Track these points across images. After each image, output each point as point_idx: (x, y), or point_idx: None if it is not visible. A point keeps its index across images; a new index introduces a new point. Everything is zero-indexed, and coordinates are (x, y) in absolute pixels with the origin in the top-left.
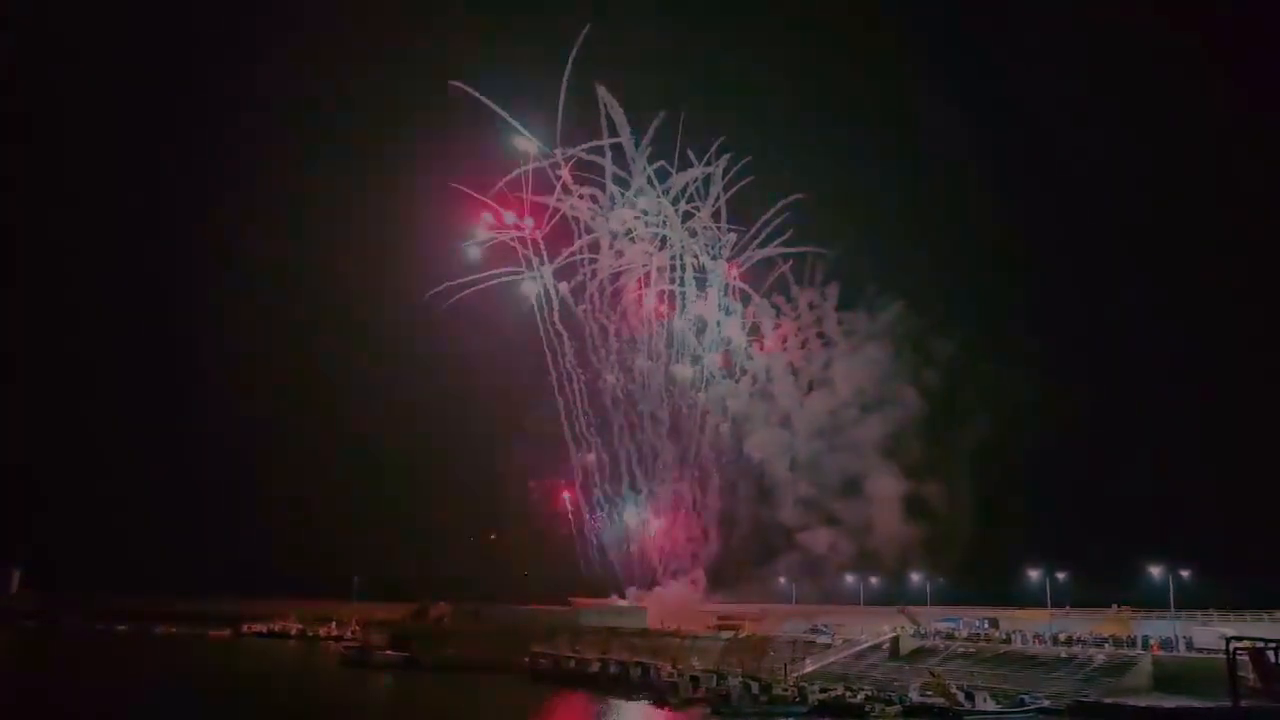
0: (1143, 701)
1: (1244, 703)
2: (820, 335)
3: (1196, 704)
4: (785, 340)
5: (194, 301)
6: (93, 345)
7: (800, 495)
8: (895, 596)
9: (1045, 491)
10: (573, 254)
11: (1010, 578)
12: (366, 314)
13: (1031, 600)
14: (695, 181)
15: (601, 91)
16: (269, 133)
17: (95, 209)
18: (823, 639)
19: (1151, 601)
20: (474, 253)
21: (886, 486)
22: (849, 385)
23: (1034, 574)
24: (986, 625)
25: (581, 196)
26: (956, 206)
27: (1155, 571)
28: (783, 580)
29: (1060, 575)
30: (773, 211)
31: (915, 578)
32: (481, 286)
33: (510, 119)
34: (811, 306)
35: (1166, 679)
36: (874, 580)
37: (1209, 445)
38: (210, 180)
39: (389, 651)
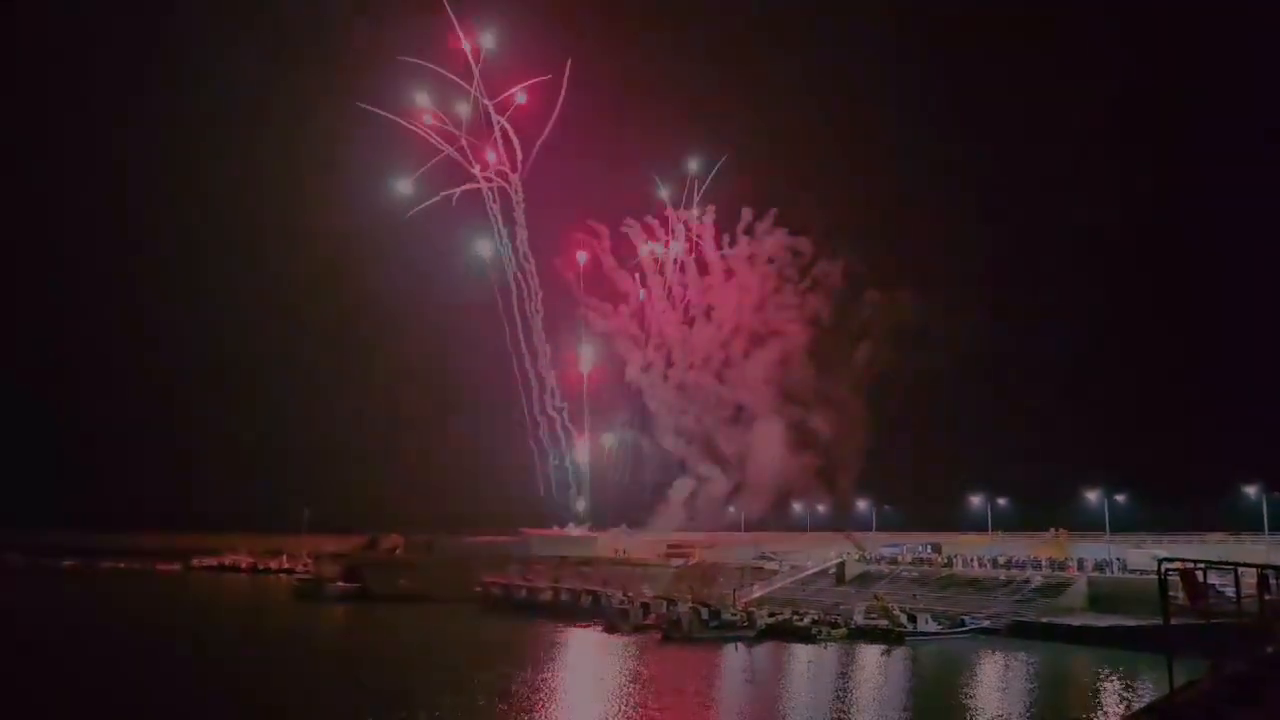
0: (1077, 620)
1: (1174, 620)
2: (698, 260)
3: (1129, 622)
4: (661, 265)
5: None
6: (29, 275)
7: (681, 426)
8: (842, 523)
9: (951, 416)
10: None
11: (953, 504)
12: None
13: (973, 525)
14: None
15: None
16: None
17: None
18: (770, 565)
19: (1088, 525)
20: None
21: (771, 416)
22: (730, 312)
23: (975, 500)
24: (929, 550)
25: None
26: (842, 124)
27: (1091, 496)
28: (732, 509)
29: (1001, 500)
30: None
31: (861, 504)
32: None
33: None
34: (688, 228)
35: (1101, 599)
36: (820, 508)
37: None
38: None
39: (341, 583)
